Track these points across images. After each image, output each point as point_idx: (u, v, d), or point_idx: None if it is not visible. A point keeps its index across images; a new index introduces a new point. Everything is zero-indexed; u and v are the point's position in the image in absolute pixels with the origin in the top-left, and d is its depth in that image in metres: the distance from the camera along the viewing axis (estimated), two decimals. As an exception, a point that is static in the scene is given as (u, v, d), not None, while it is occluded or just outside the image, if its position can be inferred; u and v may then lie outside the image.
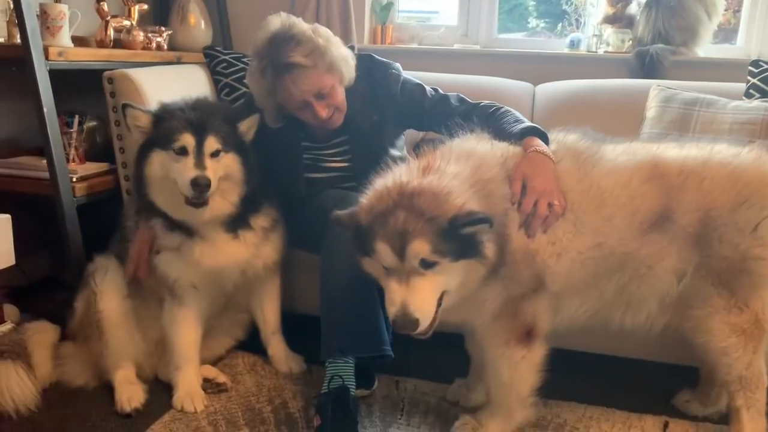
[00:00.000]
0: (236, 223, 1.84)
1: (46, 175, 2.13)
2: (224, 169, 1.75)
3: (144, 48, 2.65)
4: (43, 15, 2.10)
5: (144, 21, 2.83)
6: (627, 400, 1.96)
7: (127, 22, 2.66)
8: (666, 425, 1.85)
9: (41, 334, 1.96)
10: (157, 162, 1.75)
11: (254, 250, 1.88)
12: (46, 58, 2.05)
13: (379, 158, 1.98)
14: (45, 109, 2.04)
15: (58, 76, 2.10)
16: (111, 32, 2.61)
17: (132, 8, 2.69)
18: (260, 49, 1.85)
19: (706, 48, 2.93)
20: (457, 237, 1.36)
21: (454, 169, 1.49)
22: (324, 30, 1.90)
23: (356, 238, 1.47)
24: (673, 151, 1.66)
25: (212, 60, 2.72)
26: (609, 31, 3.09)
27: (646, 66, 2.87)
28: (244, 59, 2.73)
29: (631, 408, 1.92)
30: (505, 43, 3.31)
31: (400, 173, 1.49)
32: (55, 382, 1.91)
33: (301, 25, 1.86)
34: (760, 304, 1.58)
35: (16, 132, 2.52)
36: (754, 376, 1.61)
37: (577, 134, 1.75)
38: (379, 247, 1.39)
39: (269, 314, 2.06)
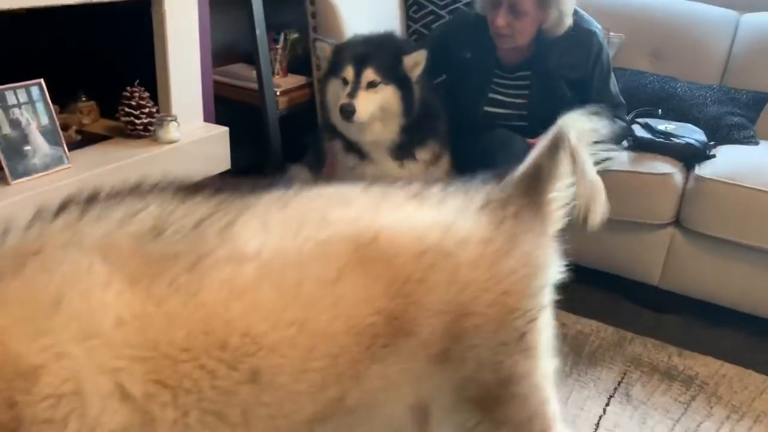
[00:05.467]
0: (402, 152, 2.04)
1: (255, 86, 2.46)
2: (381, 100, 1.93)
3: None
4: (259, -59, 2.33)
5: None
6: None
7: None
8: (802, 397, 1.88)
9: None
10: (332, 89, 2.01)
11: (418, 178, 2.10)
12: (260, -22, 2.31)
13: (555, 103, 2.06)
14: (257, 32, 2.33)
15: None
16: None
17: None
18: None
19: None
20: None
21: None
22: None
23: None
24: (400, 215, 1.00)
25: (405, -24, 2.82)
26: None
27: None
28: (435, -24, 2.80)
29: (769, 372, 1.96)
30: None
31: None
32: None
33: None
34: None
35: (230, 38, 2.86)
36: None
37: None
38: None
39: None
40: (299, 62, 2.76)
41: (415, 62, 1.97)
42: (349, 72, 1.93)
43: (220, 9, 2.56)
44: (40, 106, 1.73)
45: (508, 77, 2.12)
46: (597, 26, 2.10)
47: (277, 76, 2.60)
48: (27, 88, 1.71)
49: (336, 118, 2.02)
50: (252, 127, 2.77)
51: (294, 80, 2.64)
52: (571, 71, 2.06)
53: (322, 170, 2.26)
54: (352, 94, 1.90)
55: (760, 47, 2.54)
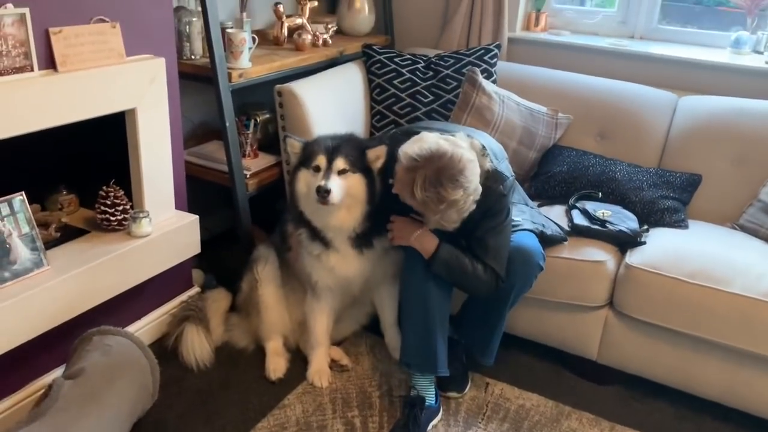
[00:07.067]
0: (361, 241, 2.22)
1: (226, 168, 2.65)
2: (349, 187, 2.11)
3: (313, 45, 3.03)
4: (228, 42, 2.52)
5: (315, 13, 3.17)
6: None
7: (300, 20, 3.03)
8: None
9: (218, 302, 2.56)
10: (302, 179, 2.17)
11: (375, 264, 2.28)
12: (229, 81, 2.50)
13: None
14: (227, 124, 2.52)
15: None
16: (285, 31, 3.02)
17: (304, 6, 3.04)
18: (424, 155, 1.86)
19: None
20: None
21: None
22: (461, 201, 1.87)
23: None
24: None
25: (369, 59, 3.02)
26: (778, 38, 2.92)
27: (809, 87, 2.73)
28: (396, 59, 3.01)
29: None
30: (664, 34, 3.25)
31: None
32: (224, 342, 2.51)
33: (452, 193, 1.84)
34: None
35: (204, 117, 3.07)
36: None
37: None
38: None
39: (387, 310, 2.49)
40: (270, 140, 2.96)
41: (377, 156, 2.14)
42: (321, 160, 2.10)
43: (194, 90, 2.76)
44: (21, 216, 1.92)
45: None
46: (506, 187, 2.04)
47: (247, 158, 2.79)
48: (9, 201, 1.90)
49: (306, 205, 2.18)
50: (225, 195, 2.96)
51: (264, 160, 2.82)
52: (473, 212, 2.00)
53: (286, 253, 2.44)
54: (326, 178, 2.06)
55: (696, 129, 2.73)
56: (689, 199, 2.62)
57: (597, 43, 3.18)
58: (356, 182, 2.13)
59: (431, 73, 2.98)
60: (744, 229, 2.52)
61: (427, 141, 1.91)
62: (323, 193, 2.04)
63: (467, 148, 1.93)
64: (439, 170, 1.83)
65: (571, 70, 3.04)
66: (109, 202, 2.18)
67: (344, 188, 2.10)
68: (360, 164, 2.14)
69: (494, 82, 2.95)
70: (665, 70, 3.01)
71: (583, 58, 3.16)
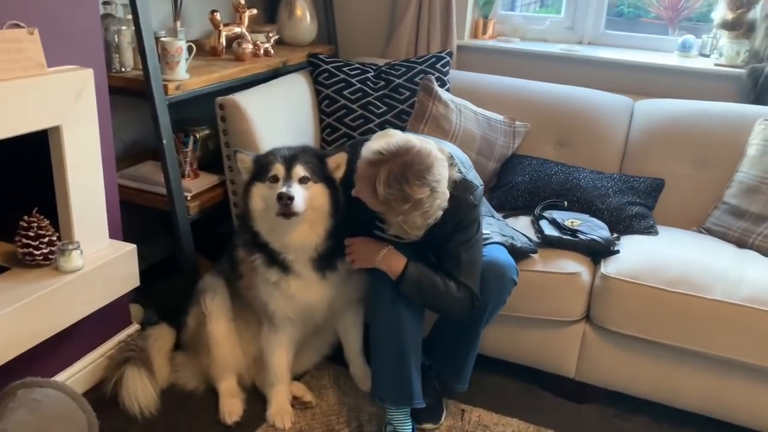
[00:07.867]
0: (324, 264, 2.03)
1: (164, 191, 2.40)
2: (312, 197, 1.92)
3: (254, 55, 2.82)
4: (163, 51, 2.29)
5: (254, 22, 2.97)
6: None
7: (238, 29, 2.82)
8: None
9: (161, 340, 2.29)
10: (257, 194, 1.96)
11: (339, 289, 2.09)
12: (166, 93, 2.26)
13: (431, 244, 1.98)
14: (164, 141, 2.28)
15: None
16: (223, 40, 2.81)
17: (243, 15, 2.83)
18: (390, 149, 1.72)
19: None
20: None
21: None
22: (427, 202, 1.71)
23: None
24: None
25: (315, 69, 2.84)
26: (724, 40, 2.92)
27: (759, 87, 2.73)
28: (345, 68, 2.84)
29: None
30: (612, 39, 3.22)
31: None
32: (171, 384, 2.25)
33: (418, 191, 1.68)
34: None
35: (138, 137, 2.81)
36: None
37: None
38: None
39: (352, 338, 2.29)
40: (211, 158, 2.72)
41: (337, 164, 1.98)
42: (279, 169, 1.91)
43: (125, 106, 2.51)
44: (-76, 255, 1.63)
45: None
46: (476, 198, 1.91)
47: (187, 179, 2.55)
48: None
49: (262, 222, 1.97)
50: (163, 220, 2.70)
51: (206, 180, 2.59)
52: (443, 225, 1.87)
53: (237, 281, 2.21)
54: (287, 186, 1.87)
55: (654, 133, 2.67)
56: (654, 204, 2.55)
57: (548, 49, 3.11)
58: (319, 192, 1.95)
59: (382, 82, 2.82)
60: (711, 232, 2.46)
61: (394, 136, 1.76)
62: (286, 200, 1.84)
63: (436, 148, 1.78)
64: (406, 165, 1.68)
65: (522, 77, 2.96)
66: (32, 234, 1.90)
67: (306, 199, 1.91)
68: (321, 173, 1.96)
69: (448, 90, 2.82)
70: (617, 74, 2.96)
71: (534, 65, 3.08)
